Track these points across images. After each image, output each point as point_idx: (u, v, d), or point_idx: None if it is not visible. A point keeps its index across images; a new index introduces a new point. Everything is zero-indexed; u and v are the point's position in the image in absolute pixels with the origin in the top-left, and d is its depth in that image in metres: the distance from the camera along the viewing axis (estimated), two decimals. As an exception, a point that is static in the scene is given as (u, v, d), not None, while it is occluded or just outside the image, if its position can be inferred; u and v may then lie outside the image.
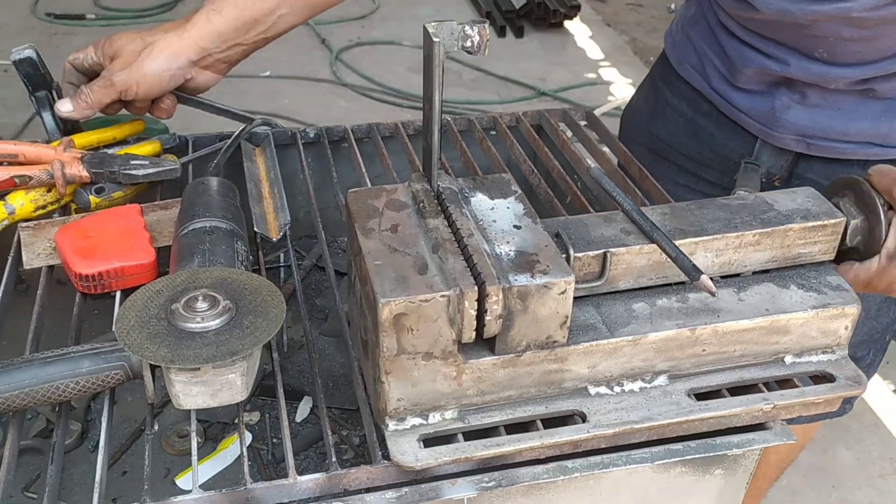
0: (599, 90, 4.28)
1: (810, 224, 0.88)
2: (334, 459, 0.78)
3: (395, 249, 0.78)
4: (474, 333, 0.75)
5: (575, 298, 0.84)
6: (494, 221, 0.83)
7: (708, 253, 0.87)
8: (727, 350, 0.85)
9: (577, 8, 4.88)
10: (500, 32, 4.73)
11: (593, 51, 4.75)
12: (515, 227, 0.82)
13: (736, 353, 0.86)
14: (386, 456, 0.77)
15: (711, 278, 0.85)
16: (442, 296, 0.73)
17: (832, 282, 0.89)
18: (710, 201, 0.91)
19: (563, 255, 0.81)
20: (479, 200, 0.86)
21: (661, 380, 0.85)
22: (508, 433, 0.81)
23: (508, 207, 0.85)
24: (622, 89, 4.31)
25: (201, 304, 0.73)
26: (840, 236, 0.90)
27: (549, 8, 4.73)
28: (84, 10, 4.85)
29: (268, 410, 1.12)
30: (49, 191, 1.05)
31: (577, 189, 1.19)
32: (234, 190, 1.03)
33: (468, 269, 0.74)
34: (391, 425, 0.79)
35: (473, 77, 4.27)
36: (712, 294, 0.79)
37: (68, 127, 1.25)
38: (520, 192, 0.87)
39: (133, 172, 1.05)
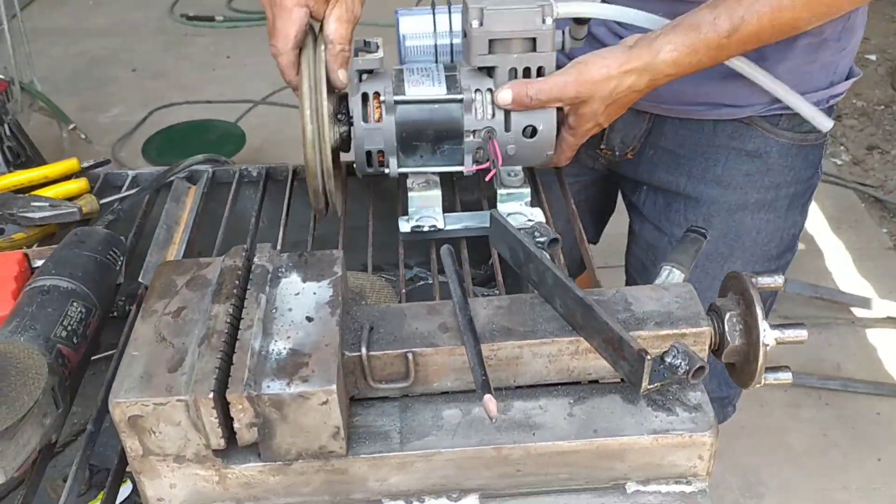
0: (712, 101, 4.00)
1: (663, 332, 0.74)
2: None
3: (163, 339, 0.73)
4: (223, 441, 0.69)
5: (380, 399, 0.76)
6: (290, 310, 0.75)
7: (538, 358, 0.76)
8: (549, 472, 0.74)
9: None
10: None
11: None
12: (308, 318, 0.74)
13: (562, 476, 0.74)
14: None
15: (563, 383, 0.75)
16: (179, 400, 0.67)
17: (692, 400, 0.75)
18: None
19: (357, 354, 0.73)
20: (289, 283, 0.79)
21: (471, 499, 0.74)
22: (289, 543, 0.74)
23: (315, 293, 0.77)
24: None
25: (-51, 386, 0.71)
26: (706, 346, 0.76)
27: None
28: (215, 11, 5.07)
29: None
30: (-45, 231, 1.07)
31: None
32: (115, 243, 1.00)
33: (216, 371, 0.68)
34: (157, 525, 0.74)
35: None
36: (490, 419, 0.68)
37: (20, 160, 1.29)
38: (340, 273, 0.79)
39: (30, 215, 1.06)
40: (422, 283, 1.29)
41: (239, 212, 1.26)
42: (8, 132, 1.27)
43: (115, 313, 1.15)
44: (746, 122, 1.19)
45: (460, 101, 1.00)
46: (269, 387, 0.67)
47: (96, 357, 1.09)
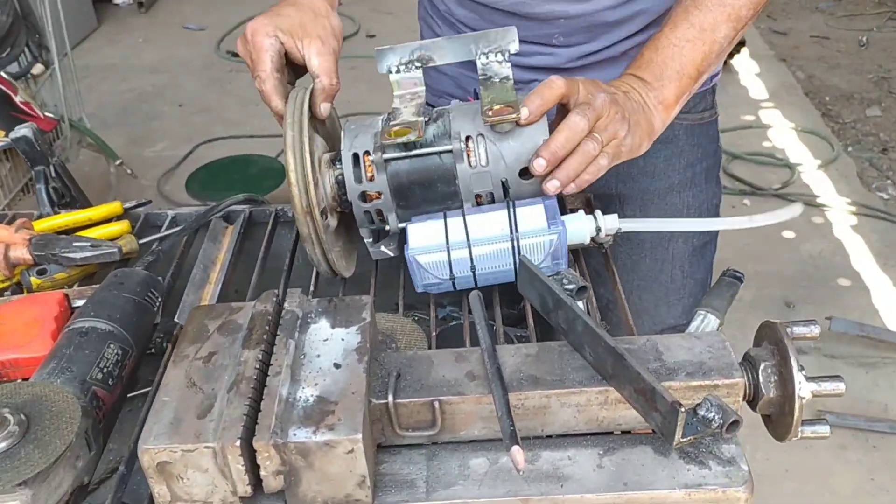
0: (754, 134, 3.96)
1: (695, 383, 0.73)
2: None
3: (193, 384, 0.74)
4: (250, 488, 0.69)
5: (405, 446, 0.76)
6: (318, 356, 0.76)
7: (566, 408, 0.75)
8: (578, 525, 0.72)
9: (742, 44, 4.56)
10: (655, 70, 4.52)
11: (757, 90, 4.41)
12: (336, 365, 0.75)
13: (591, 530, 0.73)
14: None
15: (593, 434, 0.74)
16: (206, 447, 0.67)
17: (725, 453, 0.73)
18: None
19: (383, 402, 0.73)
20: (318, 329, 0.79)
21: (498, 551, 0.73)
22: (315, 591, 0.73)
23: (343, 339, 0.77)
24: (780, 134, 3.96)
25: (-16, 428, 0.72)
26: (739, 398, 0.74)
27: (708, 44, 4.45)
28: (259, 47, 5.16)
29: None
30: (-1, 270, 1.10)
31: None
32: (153, 284, 1.02)
33: (244, 418, 0.68)
34: (184, 571, 0.74)
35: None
36: (517, 470, 0.67)
37: (64, 200, 1.32)
38: (369, 319, 0.80)
39: (71, 255, 1.08)
40: (454, 322, 1.28)
41: (275, 251, 1.27)
42: (53, 173, 1.30)
43: (153, 350, 1.17)
44: None
45: (450, 151, 0.95)
46: (295, 434, 0.68)
47: (133, 394, 1.10)
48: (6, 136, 2.16)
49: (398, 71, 1.04)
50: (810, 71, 4.71)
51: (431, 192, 0.97)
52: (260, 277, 1.16)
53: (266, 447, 0.67)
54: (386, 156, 0.95)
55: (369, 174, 0.97)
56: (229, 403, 0.70)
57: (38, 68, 2.63)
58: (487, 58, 1.02)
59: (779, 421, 0.75)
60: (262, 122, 4.24)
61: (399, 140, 0.93)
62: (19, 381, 0.82)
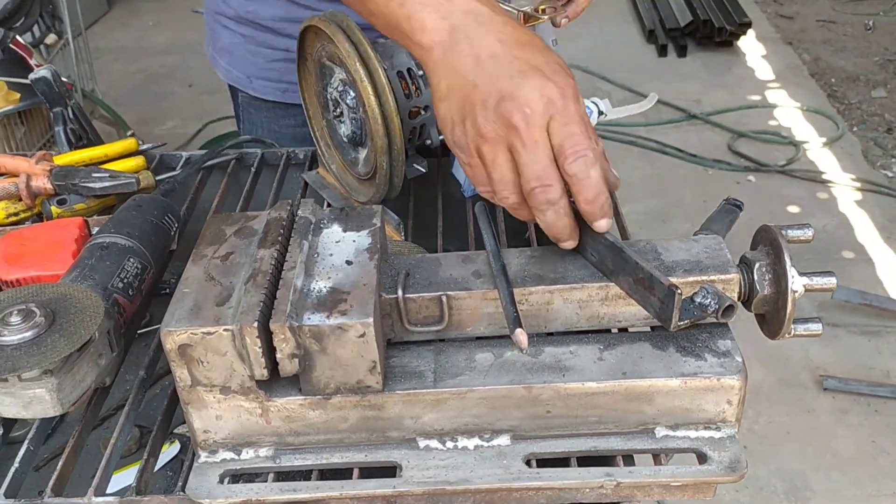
0: (759, 114, 3.98)
1: (692, 279, 0.76)
2: (133, 484, 0.77)
3: (211, 278, 0.77)
4: (266, 371, 0.72)
5: (414, 342, 0.79)
6: (331, 255, 0.79)
7: (568, 304, 0.78)
8: (579, 414, 0.76)
9: (748, 25, 4.57)
10: (662, 52, 4.54)
11: (763, 71, 4.43)
12: (348, 262, 0.78)
13: (591, 419, 0.76)
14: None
15: (593, 331, 0.78)
16: (225, 329, 0.71)
17: (721, 347, 0.76)
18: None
19: (393, 296, 0.77)
20: (331, 232, 0.82)
21: (502, 440, 0.77)
22: (328, 479, 0.77)
23: (354, 241, 0.81)
24: (785, 114, 3.98)
25: (14, 318, 0.76)
26: (735, 295, 0.77)
27: (714, 26, 4.47)
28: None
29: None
30: (21, 200, 1.14)
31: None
32: (170, 209, 1.05)
33: (261, 304, 0.72)
34: (203, 456, 0.78)
35: (622, 97, 4.12)
36: (521, 350, 0.70)
37: (82, 142, 1.36)
38: (379, 224, 0.83)
39: (90, 185, 1.12)
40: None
41: (286, 193, 1.31)
42: (71, 115, 1.34)
43: (167, 290, 1.21)
44: None
45: None
46: (309, 318, 0.71)
47: (147, 330, 1.14)
48: (21, 99, 2.20)
49: None
50: (816, 53, 4.73)
51: None
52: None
53: (282, 329, 0.70)
54: None
55: (415, 91, 1.01)
56: (247, 293, 0.74)
57: (51, 38, 2.67)
58: None
59: (772, 318, 0.78)
60: (270, 102, 4.27)
61: None
62: (45, 284, 0.85)
